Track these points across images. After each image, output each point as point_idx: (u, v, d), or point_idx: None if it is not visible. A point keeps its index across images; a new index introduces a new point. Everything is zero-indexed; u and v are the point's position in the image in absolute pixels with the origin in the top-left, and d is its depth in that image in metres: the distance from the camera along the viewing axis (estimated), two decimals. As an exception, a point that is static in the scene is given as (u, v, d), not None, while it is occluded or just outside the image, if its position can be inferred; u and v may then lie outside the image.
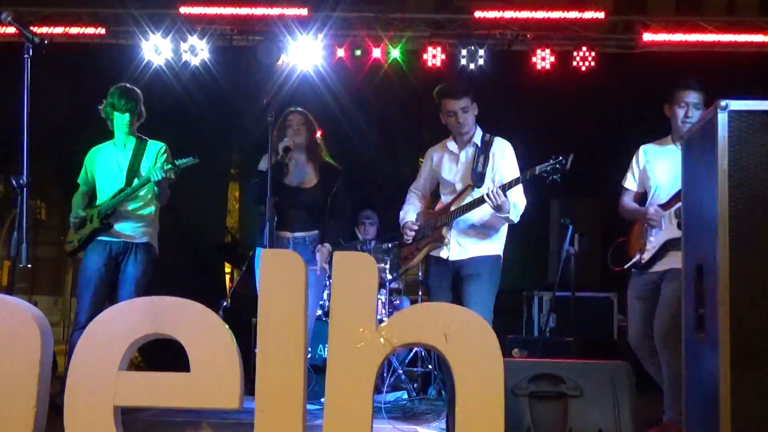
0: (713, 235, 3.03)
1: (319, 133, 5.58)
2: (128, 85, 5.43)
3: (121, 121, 5.34)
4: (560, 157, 4.55)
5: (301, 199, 5.33)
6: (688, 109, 4.69)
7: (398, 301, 7.22)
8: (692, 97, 4.70)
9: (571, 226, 6.41)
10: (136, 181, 5.28)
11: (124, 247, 5.28)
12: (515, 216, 4.82)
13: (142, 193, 5.32)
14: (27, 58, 3.69)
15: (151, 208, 5.40)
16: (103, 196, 5.37)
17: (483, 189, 4.86)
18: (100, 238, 5.27)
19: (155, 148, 5.43)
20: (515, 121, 7.83)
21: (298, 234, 5.30)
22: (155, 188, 5.24)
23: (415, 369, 6.97)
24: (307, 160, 5.44)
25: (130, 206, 5.31)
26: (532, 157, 4.95)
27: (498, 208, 4.69)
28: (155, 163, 5.32)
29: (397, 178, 5.58)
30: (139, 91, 5.42)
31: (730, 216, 2.98)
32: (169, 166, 5.15)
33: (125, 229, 5.30)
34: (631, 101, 7.96)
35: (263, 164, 5.30)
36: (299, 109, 5.48)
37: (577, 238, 6.57)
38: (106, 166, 5.40)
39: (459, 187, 5.03)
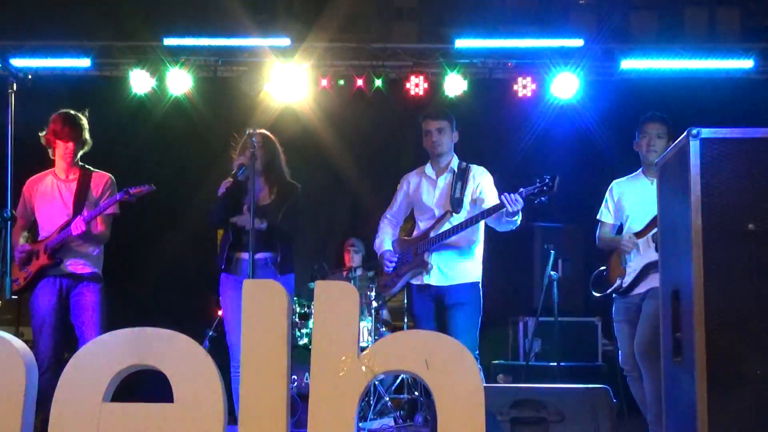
0: (688, 260, 3.08)
1: (282, 156, 5.29)
2: (72, 112, 5.06)
3: (64, 150, 5.02)
4: (546, 179, 4.69)
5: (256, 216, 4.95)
6: (651, 138, 4.93)
7: (384, 328, 7.24)
8: (653, 127, 4.95)
9: (553, 252, 6.47)
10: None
11: (74, 281, 4.98)
12: (518, 221, 4.90)
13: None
14: (11, 92, 3.72)
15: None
16: (45, 232, 5.04)
17: (462, 214, 5.01)
18: (48, 275, 4.96)
19: (101, 180, 5.12)
20: (497, 148, 7.92)
21: (258, 255, 4.93)
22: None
23: (402, 396, 6.98)
24: (264, 183, 5.19)
25: (79, 241, 4.98)
26: (514, 183, 5.01)
27: (512, 213, 4.74)
28: (102, 193, 5.05)
29: (381, 207, 5.59)
30: (84, 117, 5.08)
31: (704, 241, 3.04)
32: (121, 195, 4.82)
33: (74, 263, 5.00)
34: (611, 128, 8.04)
35: (222, 189, 5.16)
36: (258, 130, 5.20)
37: (560, 263, 6.64)
38: (49, 199, 5.08)
39: (437, 212, 5.13)
